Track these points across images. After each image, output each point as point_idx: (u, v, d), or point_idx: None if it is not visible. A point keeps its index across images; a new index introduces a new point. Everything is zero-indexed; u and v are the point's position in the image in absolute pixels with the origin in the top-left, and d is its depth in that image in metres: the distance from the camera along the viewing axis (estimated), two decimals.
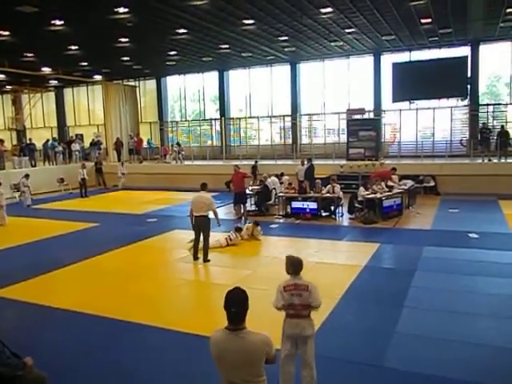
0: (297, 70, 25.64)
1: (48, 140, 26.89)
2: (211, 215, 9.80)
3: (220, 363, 3.17)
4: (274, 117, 26.76)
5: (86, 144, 28.97)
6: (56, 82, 29.93)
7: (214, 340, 3.19)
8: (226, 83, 27.78)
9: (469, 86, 20.98)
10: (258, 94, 27.15)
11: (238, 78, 27.61)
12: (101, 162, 24.37)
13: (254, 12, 15.31)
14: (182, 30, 17.43)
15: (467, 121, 22.31)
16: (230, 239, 11.13)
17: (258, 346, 3.14)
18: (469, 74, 20.84)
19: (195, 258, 9.79)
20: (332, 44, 20.90)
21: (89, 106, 32.60)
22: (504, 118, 21.29)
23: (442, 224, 12.77)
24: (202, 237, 9.72)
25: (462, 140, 21.67)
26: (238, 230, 11.49)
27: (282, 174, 17.20)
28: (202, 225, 9.61)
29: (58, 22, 15.54)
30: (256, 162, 20.05)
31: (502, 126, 19.41)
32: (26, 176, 18.63)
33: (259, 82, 26.86)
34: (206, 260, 9.69)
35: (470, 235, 11.19)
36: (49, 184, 21.91)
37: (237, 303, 3.16)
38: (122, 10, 14.36)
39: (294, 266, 4.57)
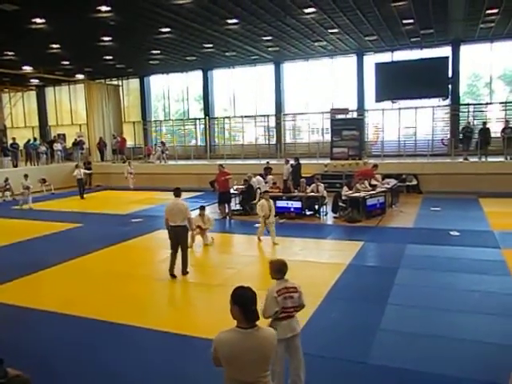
0: (281, 69, 25.71)
1: (29, 140, 26.53)
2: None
3: (232, 363, 3.06)
4: (259, 116, 26.80)
5: (69, 144, 28.64)
6: (37, 81, 29.55)
7: (224, 341, 3.08)
8: (210, 82, 27.72)
9: (450, 86, 21.28)
10: (243, 93, 27.15)
11: (222, 77, 27.57)
12: (89, 161, 24.12)
13: (237, 11, 15.32)
14: (165, 29, 17.35)
15: (448, 120, 22.64)
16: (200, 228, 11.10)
17: (270, 340, 3.13)
18: (450, 74, 21.14)
19: (172, 274, 8.69)
20: (315, 44, 21.01)
21: (71, 106, 32.21)
22: (484, 118, 21.66)
23: (424, 222, 12.96)
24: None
25: (443, 139, 21.98)
26: (202, 208, 11.47)
27: (269, 169, 17.20)
28: (179, 235, 8.71)
29: (38, 21, 15.34)
30: (268, 162, 18.90)
31: (484, 123, 19.67)
32: (25, 176, 18.23)
33: (243, 81, 26.87)
34: (184, 272, 8.80)
35: (452, 233, 11.38)
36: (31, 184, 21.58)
37: (254, 301, 3.13)
38: (104, 8, 14.23)
39: (281, 270, 4.57)
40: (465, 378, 4.96)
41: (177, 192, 9.06)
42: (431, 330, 6.15)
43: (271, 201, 11.31)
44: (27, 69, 24.51)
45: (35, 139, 27.66)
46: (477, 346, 5.66)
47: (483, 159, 18.39)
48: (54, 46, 19.40)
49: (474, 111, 22.37)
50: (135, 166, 22.53)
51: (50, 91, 32.91)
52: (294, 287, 4.54)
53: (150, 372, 5.34)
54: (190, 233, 9.60)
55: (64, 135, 30.30)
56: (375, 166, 15.52)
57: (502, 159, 18.16)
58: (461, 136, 19.90)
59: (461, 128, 20.59)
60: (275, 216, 11.37)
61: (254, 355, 3.04)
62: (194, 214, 14.65)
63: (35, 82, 29.97)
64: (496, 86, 22.64)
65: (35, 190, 21.48)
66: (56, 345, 6.13)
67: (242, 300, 3.10)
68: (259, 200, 15.54)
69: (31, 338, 6.38)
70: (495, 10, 15.99)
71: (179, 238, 8.72)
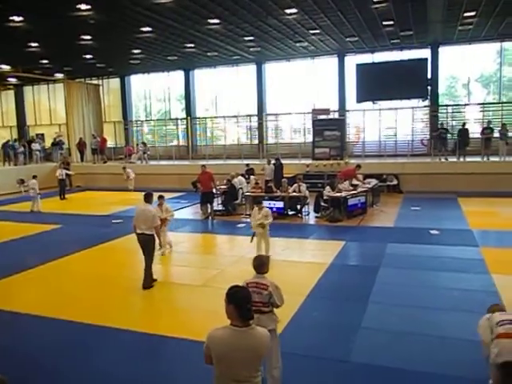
0: (262, 69, 25.74)
1: (9, 140, 26.03)
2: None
3: (224, 361, 3.05)
4: (241, 116, 26.79)
5: (48, 144, 28.19)
6: (15, 79, 29.02)
7: (217, 338, 3.08)
8: (192, 82, 27.59)
9: (429, 87, 21.56)
10: (225, 93, 27.10)
11: (204, 77, 27.47)
12: (68, 162, 23.74)
13: (219, 11, 15.29)
14: (146, 29, 17.23)
15: (428, 121, 22.97)
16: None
17: (264, 340, 3.14)
18: (429, 76, 21.44)
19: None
20: (297, 45, 21.10)
21: (50, 105, 31.69)
22: (462, 119, 22.03)
23: (405, 221, 13.12)
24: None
25: (422, 140, 22.30)
26: (161, 197, 10.13)
27: (251, 169, 17.18)
28: (144, 244, 8.19)
29: (16, 18, 15.07)
30: (248, 164, 19.12)
31: (464, 124, 19.94)
32: (34, 177, 17.80)
33: (225, 81, 26.81)
34: (146, 286, 8.09)
35: (431, 232, 11.53)
36: (8, 185, 21.21)
37: (249, 300, 3.16)
38: (84, 6, 14.05)
39: (259, 266, 4.66)
40: (446, 374, 5.03)
41: (146, 197, 8.44)
42: (413, 327, 6.22)
43: (264, 209, 9.59)
44: (5, 67, 24.06)
45: (15, 140, 27.15)
46: (458, 343, 5.73)
47: (461, 159, 18.70)
48: (33, 44, 19.09)
49: (452, 112, 22.75)
50: (116, 167, 22.22)
51: (28, 90, 32.31)
52: (265, 284, 4.55)
53: (139, 373, 5.29)
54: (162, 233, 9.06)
55: (43, 135, 29.83)
56: (358, 166, 15.65)
57: (479, 159, 18.50)
58: (433, 134, 20.07)
59: (436, 128, 20.81)
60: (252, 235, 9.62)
61: (247, 354, 3.04)
62: (177, 214, 14.56)
63: (13, 80, 29.44)
64: (473, 87, 23.05)
65: (13, 191, 21.14)
66: (34, 348, 6.01)
67: (237, 299, 3.11)
68: (241, 200, 15.65)
69: (9, 341, 6.24)
70: (473, 13, 16.29)
71: (144, 247, 8.20)
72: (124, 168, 21.46)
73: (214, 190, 15.25)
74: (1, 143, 25.60)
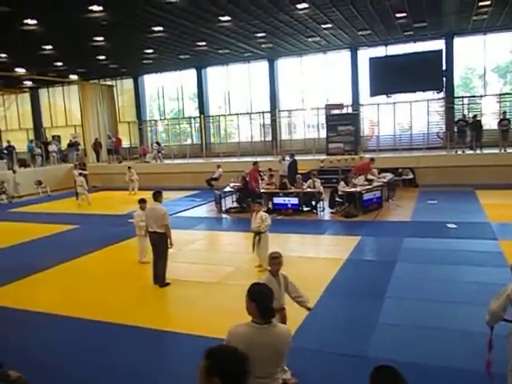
0: (275, 66, 25.67)
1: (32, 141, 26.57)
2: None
3: None
4: (254, 113, 26.76)
5: (64, 145, 28.52)
6: (31, 82, 29.39)
7: (238, 335, 3.10)
8: (205, 80, 27.66)
9: (444, 79, 21.28)
10: (237, 90, 27.10)
11: (216, 75, 27.52)
12: (84, 162, 24.03)
13: (229, 9, 15.28)
14: (158, 28, 17.30)
15: (443, 113, 22.66)
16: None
17: (285, 337, 3.16)
18: (444, 67, 21.14)
19: (155, 281, 8.31)
20: (309, 40, 20.98)
21: (65, 107, 32.09)
22: (479, 110, 21.69)
23: (421, 215, 12.98)
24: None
25: (438, 132, 22.01)
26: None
27: (271, 171, 16.90)
28: (156, 243, 8.27)
29: (30, 22, 15.26)
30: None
31: (475, 116, 19.68)
32: (80, 174, 18.44)
33: (238, 78, 26.82)
34: (162, 284, 8.20)
35: (449, 225, 11.38)
36: (27, 187, 21.55)
37: (271, 297, 3.19)
38: (96, 8, 14.17)
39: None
40: (465, 369, 4.97)
41: (156, 196, 8.40)
42: (430, 322, 6.15)
43: (261, 213, 8.67)
44: (20, 71, 24.39)
45: (31, 141, 27.58)
46: (476, 336, 5.64)
47: (478, 151, 18.42)
48: (47, 47, 19.32)
49: (468, 104, 22.40)
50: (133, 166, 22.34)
51: (43, 93, 32.77)
52: None
53: (154, 370, 5.34)
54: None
55: (59, 136, 30.19)
56: (372, 159, 15.51)
57: (496, 151, 18.19)
58: (455, 129, 19.86)
59: (456, 121, 20.55)
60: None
61: (267, 351, 3.05)
62: (190, 213, 14.71)
63: (28, 83, 29.81)
64: (490, 78, 22.67)
65: (31, 192, 21.47)
66: (54, 346, 6.10)
67: (259, 296, 3.13)
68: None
69: (29, 339, 6.35)
70: (488, 2, 15.98)
71: (156, 245, 8.27)
72: (129, 168, 20.91)
73: (228, 188, 15.17)
74: (18, 146, 25.97)
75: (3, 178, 20.65)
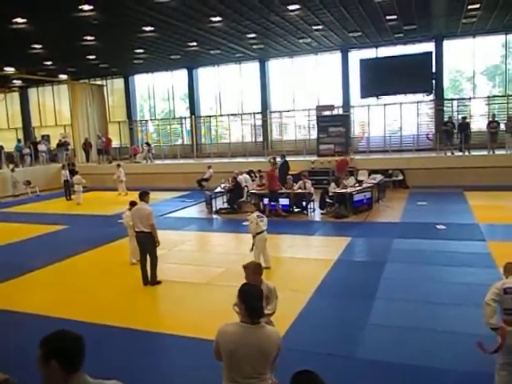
0: (266, 67, 25.69)
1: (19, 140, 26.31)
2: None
3: (233, 357, 3.08)
4: (245, 114, 26.76)
5: (53, 145, 28.30)
6: (20, 81, 29.13)
7: (228, 334, 3.11)
8: (196, 81, 27.59)
9: (434, 81, 21.44)
10: (228, 91, 27.08)
11: (207, 75, 27.46)
12: (73, 163, 23.85)
13: (221, 9, 15.25)
14: (148, 28, 17.21)
15: (433, 115, 22.83)
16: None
17: (274, 338, 3.16)
18: (433, 70, 21.31)
19: (145, 282, 8.33)
20: (300, 41, 21.02)
21: (55, 107, 31.82)
22: (468, 112, 21.89)
23: (411, 216, 13.06)
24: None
25: (428, 134, 22.17)
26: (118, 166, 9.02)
27: (260, 172, 16.88)
28: (143, 242, 8.28)
29: (19, 20, 15.09)
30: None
31: (464, 118, 19.83)
32: (77, 172, 18.07)
33: (229, 79, 26.80)
34: (154, 282, 8.30)
35: (438, 227, 11.47)
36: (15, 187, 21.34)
37: (259, 298, 3.20)
38: (86, 7, 14.05)
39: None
40: (454, 369, 5.01)
41: (142, 196, 8.49)
42: (420, 323, 6.20)
43: (256, 217, 8.58)
44: (9, 70, 24.14)
45: (19, 140, 27.32)
46: (465, 337, 5.70)
47: (466, 153, 18.58)
48: (36, 46, 19.11)
49: (457, 106, 22.59)
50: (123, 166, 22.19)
51: (33, 92, 32.45)
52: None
53: (143, 371, 5.31)
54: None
55: (48, 136, 29.93)
56: (345, 153, 15.42)
57: (485, 153, 18.37)
58: (443, 128, 19.96)
59: (444, 122, 20.67)
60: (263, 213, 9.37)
61: (254, 351, 3.05)
62: (180, 213, 14.66)
63: (18, 82, 29.54)
64: (479, 80, 22.89)
65: (20, 193, 21.26)
66: None
67: (247, 296, 3.14)
68: (247, 198, 15.63)
69: (20, 341, 6.28)
70: (477, 5, 16.13)
71: (144, 245, 8.30)
72: (119, 165, 20.54)
73: (219, 189, 15.16)
74: (7, 145, 25.74)
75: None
